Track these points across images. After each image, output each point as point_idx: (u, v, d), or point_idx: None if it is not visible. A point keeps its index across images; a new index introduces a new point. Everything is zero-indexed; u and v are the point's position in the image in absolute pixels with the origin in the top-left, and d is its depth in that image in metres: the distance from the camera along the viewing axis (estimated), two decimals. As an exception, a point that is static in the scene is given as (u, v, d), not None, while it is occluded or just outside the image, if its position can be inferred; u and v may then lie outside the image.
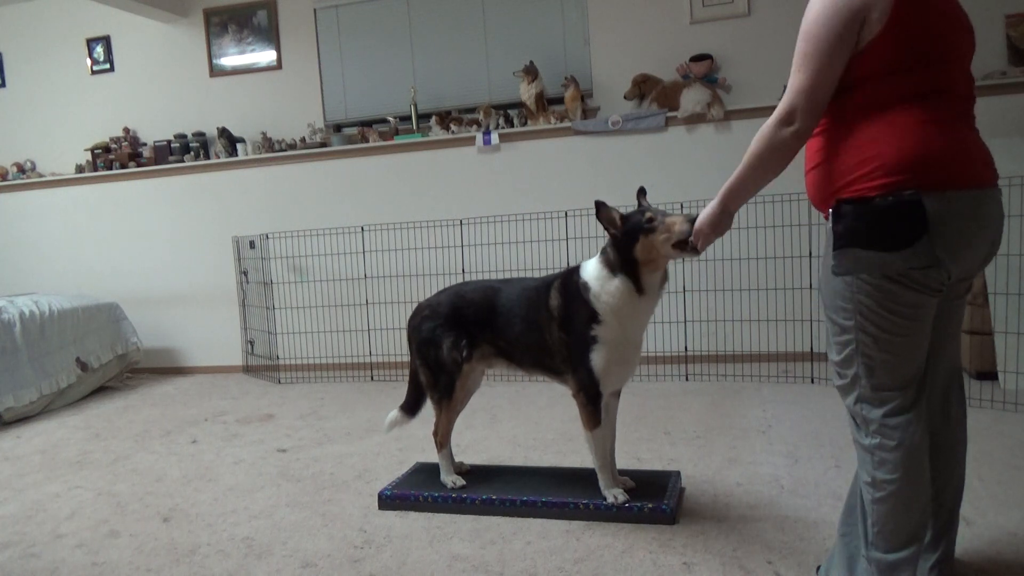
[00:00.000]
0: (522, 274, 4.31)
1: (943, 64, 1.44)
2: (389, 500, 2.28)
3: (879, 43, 1.40)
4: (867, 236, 1.40)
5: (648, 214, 1.98)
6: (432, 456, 2.42)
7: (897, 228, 1.38)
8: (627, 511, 2.07)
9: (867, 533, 1.53)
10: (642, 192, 2.15)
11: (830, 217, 1.47)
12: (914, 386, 1.50)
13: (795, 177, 1.71)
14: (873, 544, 1.52)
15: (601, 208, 2.03)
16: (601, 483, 2.15)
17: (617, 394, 2.25)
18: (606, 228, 2.05)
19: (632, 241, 1.98)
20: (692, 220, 1.81)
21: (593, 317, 2.06)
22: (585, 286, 2.09)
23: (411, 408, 2.43)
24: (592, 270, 2.10)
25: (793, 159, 1.51)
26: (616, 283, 2.03)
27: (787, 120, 1.47)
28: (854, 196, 1.43)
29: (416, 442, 2.95)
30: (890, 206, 1.38)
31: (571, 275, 2.16)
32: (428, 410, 2.40)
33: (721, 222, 1.69)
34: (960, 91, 1.47)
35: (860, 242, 1.41)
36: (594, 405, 2.11)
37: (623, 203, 2.34)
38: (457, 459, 2.44)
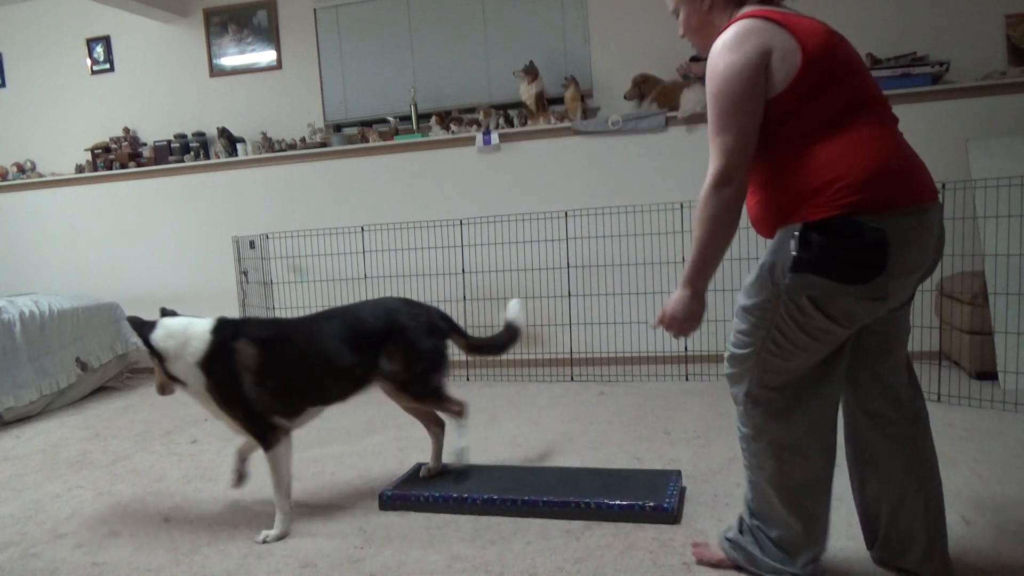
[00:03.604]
0: (523, 273, 4.32)
1: (860, 76, 1.49)
2: (390, 501, 2.28)
3: (799, 79, 1.44)
4: (831, 267, 1.40)
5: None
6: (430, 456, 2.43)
7: (863, 263, 1.39)
8: (628, 510, 2.07)
9: (749, 504, 1.71)
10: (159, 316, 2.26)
11: (795, 241, 1.45)
12: (795, 387, 1.57)
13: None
14: (753, 514, 1.70)
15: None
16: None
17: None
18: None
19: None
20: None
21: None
22: None
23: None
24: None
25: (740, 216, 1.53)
26: None
27: (724, 181, 1.48)
28: (818, 219, 1.43)
29: (416, 442, 2.95)
30: (857, 241, 1.38)
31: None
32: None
33: (695, 307, 1.58)
34: (884, 99, 1.51)
35: (822, 272, 1.41)
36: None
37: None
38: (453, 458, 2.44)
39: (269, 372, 2.14)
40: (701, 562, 1.81)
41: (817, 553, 1.66)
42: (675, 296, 1.60)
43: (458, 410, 2.39)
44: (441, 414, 2.46)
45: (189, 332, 2.16)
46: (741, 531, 1.73)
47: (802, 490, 1.61)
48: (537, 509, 2.14)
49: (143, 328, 2.19)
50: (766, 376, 1.57)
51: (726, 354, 1.65)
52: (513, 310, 2.53)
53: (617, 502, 2.09)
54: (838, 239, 1.40)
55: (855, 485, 1.73)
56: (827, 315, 1.45)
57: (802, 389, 1.57)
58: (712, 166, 1.49)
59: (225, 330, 2.18)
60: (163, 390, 2.27)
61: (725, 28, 1.50)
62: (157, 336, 2.17)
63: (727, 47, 1.47)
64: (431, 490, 2.28)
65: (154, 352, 2.18)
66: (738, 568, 1.74)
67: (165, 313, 2.25)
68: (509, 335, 2.50)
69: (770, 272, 1.50)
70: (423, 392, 2.32)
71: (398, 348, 2.25)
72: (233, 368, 2.12)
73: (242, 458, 2.42)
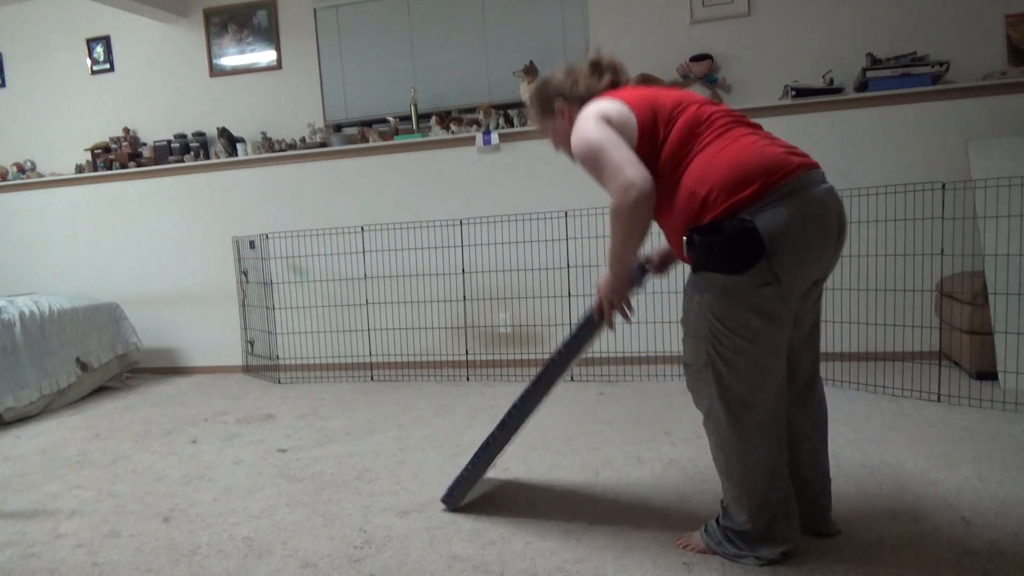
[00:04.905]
0: (523, 273, 4.32)
1: (691, 108, 1.71)
2: (451, 499, 2.25)
3: (641, 137, 1.69)
4: (710, 261, 1.57)
5: None
6: (433, 455, 2.42)
7: (738, 253, 1.53)
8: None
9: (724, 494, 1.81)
10: None
11: (685, 246, 1.62)
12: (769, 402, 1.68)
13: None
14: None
15: None
16: None
17: None
18: None
19: None
20: None
21: None
22: None
23: None
24: None
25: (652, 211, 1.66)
26: None
27: (626, 189, 1.60)
28: (705, 224, 1.59)
29: (416, 442, 2.95)
30: (720, 235, 1.54)
31: None
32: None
33: (620, 285, 1.80)
34: (724, 111, 1.71)
35: (710, 267, 1.57)
36: None
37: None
38: (453, 458, 2.44)
39: None
40: (687, 549, 1.88)
41: (786, 546, 1.75)
42: (603, 279, 1.82)
43: None
44: None
45: None
46: (718, 520, 1.83)
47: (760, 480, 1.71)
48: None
49: None
50: (722, 385, 1.67)
51: (685, 370, 1.77)
52: None
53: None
54: (707, 236, 1.56)
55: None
56: (745, 307, 1.57)
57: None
58: (612, 193, 1.64)
59: None
60: None
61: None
62: None
63: (578, 127, 1.73)
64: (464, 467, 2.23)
65: None
66: (713, 553, 1.83)
67: None
68: None
69: (690, 286, 1.68)
70: None
71: None
72: None
73: None
